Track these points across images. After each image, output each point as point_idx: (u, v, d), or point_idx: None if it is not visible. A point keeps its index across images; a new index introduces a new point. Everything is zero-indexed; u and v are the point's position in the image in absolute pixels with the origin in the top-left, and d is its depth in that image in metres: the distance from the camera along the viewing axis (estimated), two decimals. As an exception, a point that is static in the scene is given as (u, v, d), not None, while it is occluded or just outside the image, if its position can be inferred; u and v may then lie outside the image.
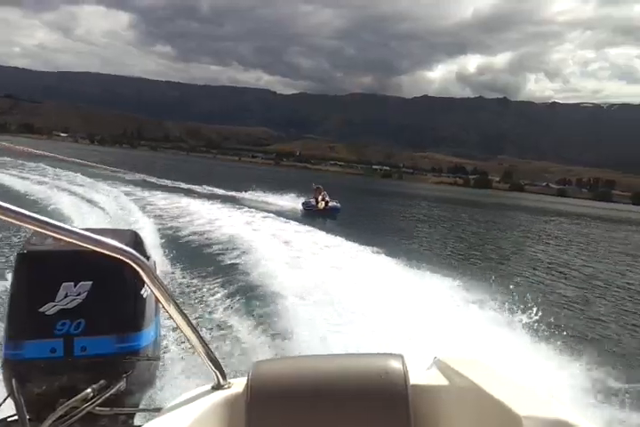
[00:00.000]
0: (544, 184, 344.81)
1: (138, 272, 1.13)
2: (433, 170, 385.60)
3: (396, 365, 1.37)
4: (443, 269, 9.57)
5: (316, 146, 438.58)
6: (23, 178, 21.29)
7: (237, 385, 1.40)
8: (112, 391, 1.58)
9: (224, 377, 1.39)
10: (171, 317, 1.24)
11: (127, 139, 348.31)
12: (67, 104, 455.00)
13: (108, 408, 1.60)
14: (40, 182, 20.28)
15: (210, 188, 28.77)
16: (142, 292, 1.70)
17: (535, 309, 6.89)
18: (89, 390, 1.54)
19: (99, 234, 1.07)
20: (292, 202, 25.65)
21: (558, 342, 5.95)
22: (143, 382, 1.78)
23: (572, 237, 28.72)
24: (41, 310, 1.57)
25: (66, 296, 1.59)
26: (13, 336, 1.60)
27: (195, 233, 12.41)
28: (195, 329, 1.30)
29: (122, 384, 1.62)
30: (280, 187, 29.24)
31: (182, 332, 1.28)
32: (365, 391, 1.32)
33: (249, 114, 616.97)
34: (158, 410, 1.35)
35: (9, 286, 1.67)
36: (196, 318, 5.76)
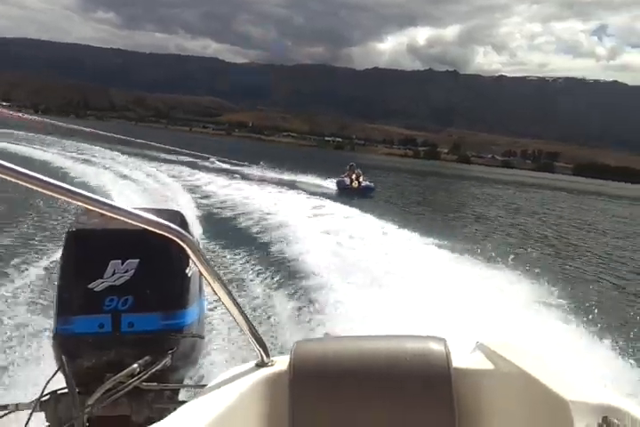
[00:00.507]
0: (490, 156, 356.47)
1: (184, 250, 1.14)
2: (384, 141, 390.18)
3: (438, 347, 1.37)
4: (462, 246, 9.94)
5: (268, 116, 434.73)
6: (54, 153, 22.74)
7: (280, 363, 1.41)
8: (158, 367, 1.63)
9: (267, 355, 1.41)
10: (216, 294, 1.26)
11: (73, 108, 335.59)
12: (33, 73, 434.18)
13: (154, 384, 1.65)
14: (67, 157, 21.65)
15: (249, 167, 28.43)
16: (187, 270, 1.74)
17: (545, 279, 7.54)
18: (135, 365, 1.59)
19: (145, 213, 1.09)
20: (327, 181, 25.67)
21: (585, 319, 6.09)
22: (188, 359, 1.81)
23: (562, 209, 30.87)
24: (90, 286, 1.62)
25: (114, 273, 1.63)
26: (63, 312, 1.66)
27: (232, 212, 12.85)
28: (239, 307, 1.31)
29: (167, 360, 1.65)
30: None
31: (227, 309, 1.30)
32: (407, 373, 1.32)
33: (194, 82, 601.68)
34: (203, 386, 1.39)
35: (59, 264, 1.73)
36: (239, 296, 6.01)
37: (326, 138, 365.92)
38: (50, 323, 1.73)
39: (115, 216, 1.02)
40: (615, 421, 0.98)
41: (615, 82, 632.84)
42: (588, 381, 1.18)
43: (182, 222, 1.84)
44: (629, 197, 63.52)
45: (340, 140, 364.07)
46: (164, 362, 1.64)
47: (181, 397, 1.79)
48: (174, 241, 1.11)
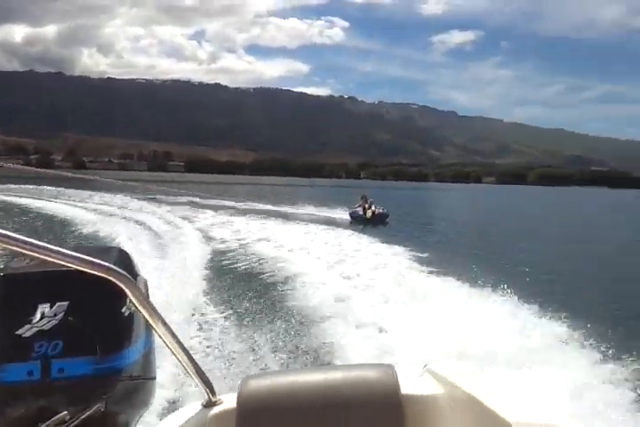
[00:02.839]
0: (107, 160, 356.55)
1: (122, 290, 1.13)
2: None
3: (386, 375, 1.38)
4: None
5: None
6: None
7: (228, 401, 1.40)
8: (89, 413, 1.51)
9: (213, 394, 1.40)
10: (158, 334, 1.25)
11: None
12: None
13: None
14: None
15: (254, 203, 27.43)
16: (124, 310, 1.61)
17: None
18: (65, 412, 1.49)
19: (81, 252, 1.06)
20: (340, 213, 26.04)
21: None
22: (128, 404, 1.70)
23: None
24: (18, 332, 1.52)
25: (42, 318, 1.53)
26: None
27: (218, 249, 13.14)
28: (182, 346, 1.29)
29: (100, 406, 1.54)
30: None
31: (170, 349, 1.27)
32: (357, 403, 1.33)
33: None
34: None
35: None
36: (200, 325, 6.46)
37: None
38: None
39: (43, 258, 1.00)
40: None
41: (218, 84, 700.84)
42: (535, 402, 1.22)
43: (123, 260, 1.75)
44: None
45: None
46: (95, 408, 1.53)
47: None
48: (106, 280, 1.09)
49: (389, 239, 15.62)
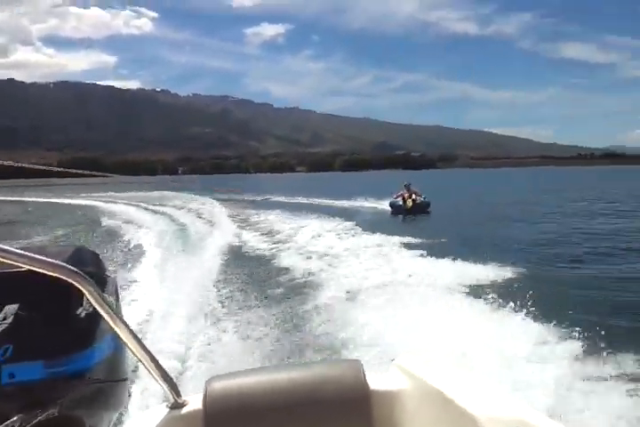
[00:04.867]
0: None
1: (79, 290, 1.10)
2: None
3: (353, 370, 1.38)
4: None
5: None
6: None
7: (194, 402, 1.38)
8: (41, 418, 1.46)
9: (178, 395, 1.38)
10: (118, 335, 1.22)
11: None
12: None
13: None
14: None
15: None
16: (79, 311, 1.59)
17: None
18: (15, 418, 1.44)
19: (38, 252, 1.04)
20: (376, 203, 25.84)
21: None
22: (93, 406, 1.66)
23: None
24: None
25: None
26: None
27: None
28: (145, 347, 1.27)
29: (54, 410, 1.50)
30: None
31: (131, 350, 1.25)
32: (324, 399, 1.33)
33: None
34: None
35: None
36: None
37: None
38: None
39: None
40: None
41: (13, 80, 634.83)
42: (500, 395, 1.21)
43: (85, 259, 1.72)
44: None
45: None
46: (47, 413, 1.48)
47: None
48: (60, 281, 1.07)
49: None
